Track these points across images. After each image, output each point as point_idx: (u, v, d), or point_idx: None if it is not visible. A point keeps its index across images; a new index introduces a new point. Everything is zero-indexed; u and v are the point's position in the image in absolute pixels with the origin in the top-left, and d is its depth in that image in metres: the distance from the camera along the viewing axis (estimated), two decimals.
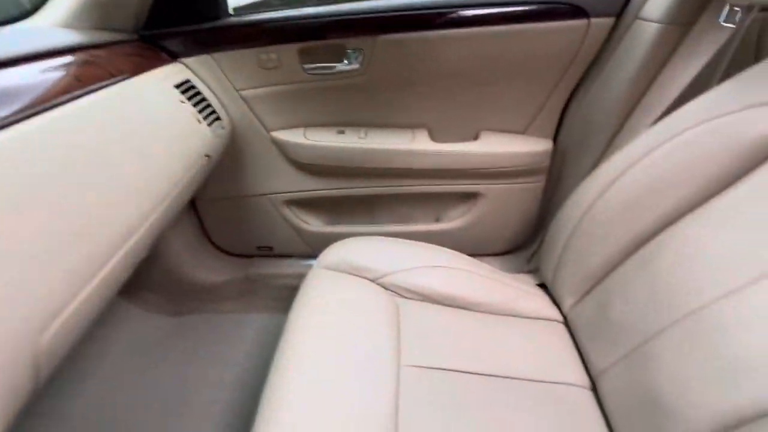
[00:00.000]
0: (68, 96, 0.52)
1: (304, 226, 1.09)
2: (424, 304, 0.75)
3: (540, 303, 0.78)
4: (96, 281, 0.46)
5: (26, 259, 0.38)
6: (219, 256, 1.23)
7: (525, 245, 1.08)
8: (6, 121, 0.42)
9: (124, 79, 0.64)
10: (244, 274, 1.21)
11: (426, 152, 0.91)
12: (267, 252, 1.19)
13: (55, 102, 0.49)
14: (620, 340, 0.58)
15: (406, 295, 0.76)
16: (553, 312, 0.77)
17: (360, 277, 0.77)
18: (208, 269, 1.19)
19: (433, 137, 0.94)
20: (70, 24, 0.68)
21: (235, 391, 0.93)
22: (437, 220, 1.07)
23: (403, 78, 0.86)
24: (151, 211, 0.58)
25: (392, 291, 0.76)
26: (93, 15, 0.71)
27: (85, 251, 0.45)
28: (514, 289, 0.81)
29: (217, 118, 0.84)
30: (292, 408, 0.54)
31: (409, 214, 1.06)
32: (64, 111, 0.49)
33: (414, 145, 0.91)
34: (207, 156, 0.76)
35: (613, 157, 0.69)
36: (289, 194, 1.03)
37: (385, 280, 0.77)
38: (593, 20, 0.79)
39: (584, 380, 0.64)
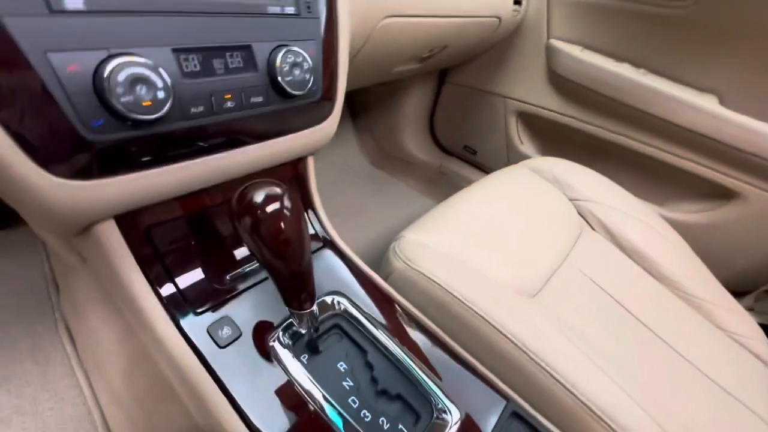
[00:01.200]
0: None
1: (518, 143, 1.11)
2: (608, 244, 0.70)
3: (751, 333, 0.64)
4: None
5: None
6: (428, 140, 1.38)
7: (755, 287, 0.85)
8: None
9: None
10: (439, 164, 1.33)
11: (712, 114, 0.76)
12: (469, 154, 1.27)
13: None
14: None
15: (595, 227, 0.73)
16: (764, 350, 0.62)
17: (559, 189, 0.76)
18: (415, 144, 1.36)
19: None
20: None
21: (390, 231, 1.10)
22: (661, 204, 0.93)
23: (731, 25, 0.72)
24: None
25: (583, 217, 0.74)
26: None
27: None
28: (723, 300, 0.67)
29: (519, 2, 0.90)
30: (448, 223, 0.60)
31: (634, 181, 0.95)
32: None
33: (700, 100, 0.78)
34: (497, 18, 0.84)
35: None
36: (526, 105, 1.05)
37: (582, 204, 0.74)
38: None
39: None
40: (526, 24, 0.97)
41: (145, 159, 0.30)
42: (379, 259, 0.58)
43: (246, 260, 0.41)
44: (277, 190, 0.27)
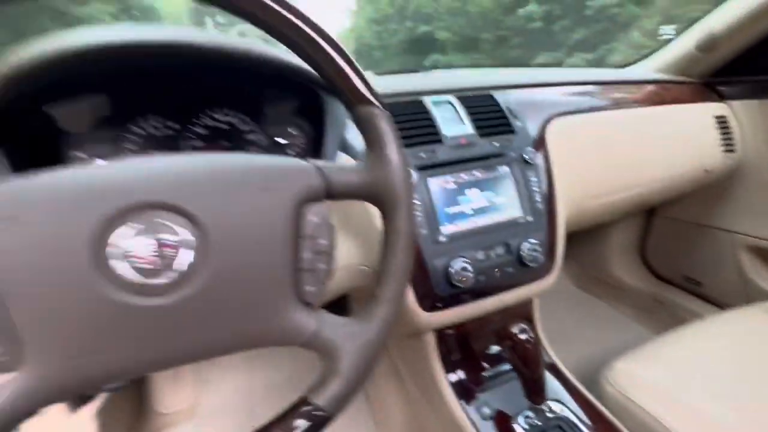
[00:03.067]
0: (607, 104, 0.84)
1: (757, 279, 1.01)
2: None
3: None
4: None
5: None
6: (640, 267, 1.35)
7: None
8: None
9: (669, 103, 0.91)
10: (654, 292, 1.28)
11: None
12: (692, 285, 1.20)
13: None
14: None
15: None
16: None
17: None
18: (625, 272, 1.35)
19: None
20: (659, 69, 1.02)
21: None
22: None
23: None
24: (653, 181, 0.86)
25: None
26: (673, 66, 1.01)
27: None
28: None
29: (733, 150, 0.95)
30: None
31: None
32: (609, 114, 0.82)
33: None
34: (706, 171, 0.92)
35: None
36: (762, 241, 0.98)
37: None
38: None
39: None
40: (745, 164, 0.98)
41: (457, 304, 0.60)
42: (588, 385, 0.65)
43: (496, 363, 0.66)
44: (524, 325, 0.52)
